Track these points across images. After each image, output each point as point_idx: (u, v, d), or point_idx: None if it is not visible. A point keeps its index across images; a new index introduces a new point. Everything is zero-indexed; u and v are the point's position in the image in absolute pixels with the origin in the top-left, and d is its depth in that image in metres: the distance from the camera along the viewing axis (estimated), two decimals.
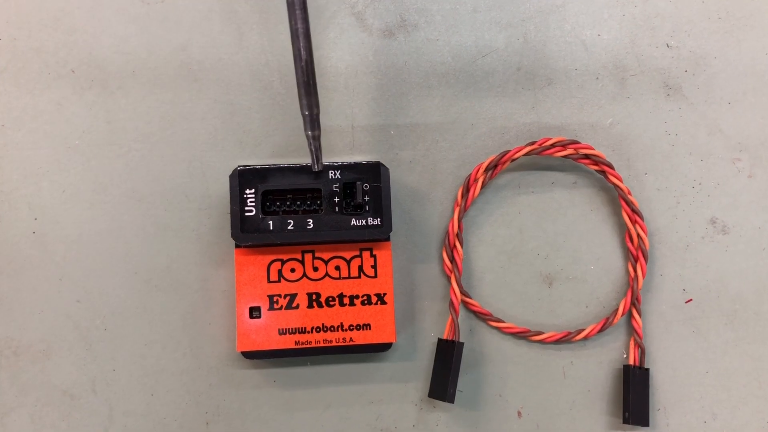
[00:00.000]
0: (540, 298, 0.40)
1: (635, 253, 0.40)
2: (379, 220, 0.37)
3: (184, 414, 0.39)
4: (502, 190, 0.41)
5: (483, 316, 0.40)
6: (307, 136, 0.35)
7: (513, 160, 0.40)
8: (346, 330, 0.37)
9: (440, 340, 0.39)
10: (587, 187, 0.41)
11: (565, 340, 0.39)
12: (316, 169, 0.36)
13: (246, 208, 0.36)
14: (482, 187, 0.40)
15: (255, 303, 0.37)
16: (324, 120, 0.40)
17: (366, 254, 0.38)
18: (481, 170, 0.40)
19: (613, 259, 0.41)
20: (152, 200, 0.39)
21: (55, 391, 0.38)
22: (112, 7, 0.40)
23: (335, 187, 0.37)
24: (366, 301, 0.38)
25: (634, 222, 0.40)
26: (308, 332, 0.37)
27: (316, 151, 0.35)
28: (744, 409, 0.40)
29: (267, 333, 0.37)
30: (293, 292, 0.37)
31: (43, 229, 0.39)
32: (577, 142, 0.39)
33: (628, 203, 0.40)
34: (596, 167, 0.40)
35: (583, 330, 0.39)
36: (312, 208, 0.37)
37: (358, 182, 0.37)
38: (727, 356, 0.40)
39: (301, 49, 0.33)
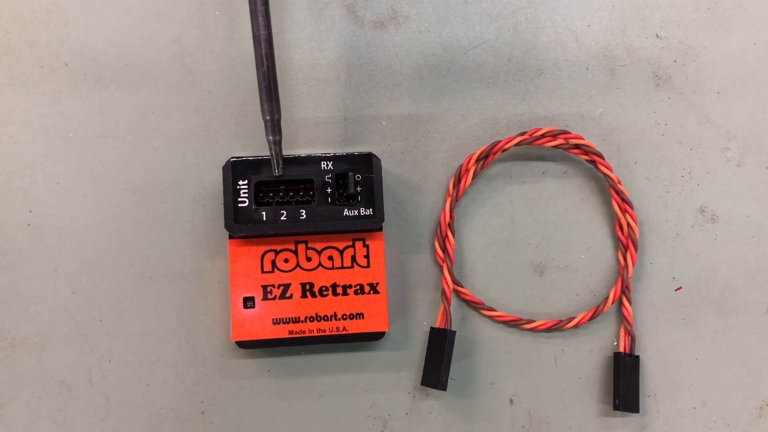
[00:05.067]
0: (531, 286, 0.41)
1: (625, 241, 0.40)
2: (371, 210, 0.37)
3: (180, 404, 0.39)
4: (494, 180, 0.41)
5: (475, 305, 0.40)
6: (268, 140, 0.35)
7: (504, 151, 0.40)
8: (339, 319, 0.38)
9: (432, 329, 0.39)
10: (578, 176, 0.41)
11: (557, 328, 0.40)
12: (277, 174, 0.36)
13: (239, 199, 0.36)
14: (474, 177, 0.40)
15: (249, 293, 0.38)
16: (316, 111, 0.40)
17: (359, 244, 0.38)
18: (473, 160, 0.40)
19: (604, 248, 0.41)
20: (146, 192, 0.39)
21: (52, 383, 0.38)
22: (105, 0, 0.40)
23: (327, 177, 0.37)
24: (359, 291, 0.38)
25: (624, 211, 0.40)
26: (302, 322, 0.38)
27: (277, 155, 0.35)
28: (733, 396, 0.41)
29: (261, 323, 0.37)
30: (287, 282, 0.38)
31: (37, 221, 0.39)
32: (568, 132, 0.40)
33: (618, 193, 0.40)
34: (586, 157, 0.40)
35: (574, 318, 0.40)
36: (305, 199, 0.37)
37: (351, 173, 0.37)
38: (716, 344, 0.41)
39: (263, 56, 0.33)
